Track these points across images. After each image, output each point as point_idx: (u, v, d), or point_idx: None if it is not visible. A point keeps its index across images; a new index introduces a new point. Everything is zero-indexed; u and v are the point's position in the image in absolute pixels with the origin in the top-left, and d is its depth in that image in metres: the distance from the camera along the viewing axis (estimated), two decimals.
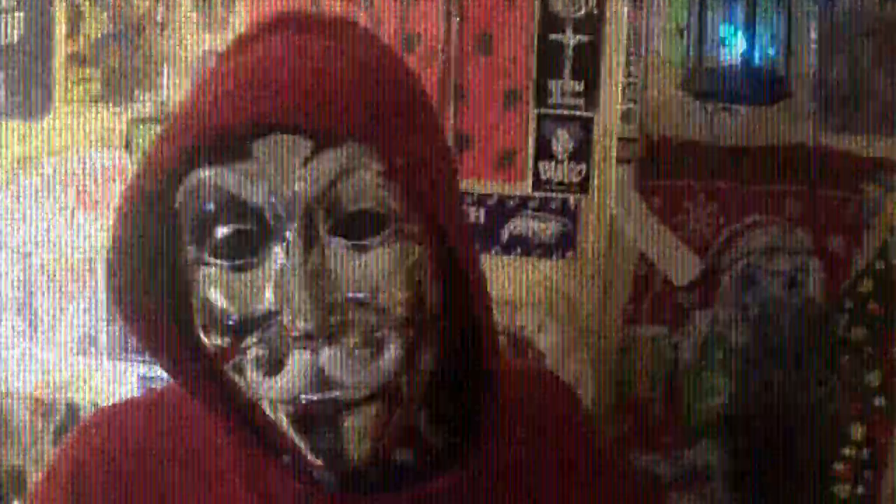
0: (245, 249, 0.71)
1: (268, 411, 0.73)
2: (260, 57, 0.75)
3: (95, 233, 1.44)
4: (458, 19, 1.32)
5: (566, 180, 1.33)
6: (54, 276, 1.46)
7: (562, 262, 1.33)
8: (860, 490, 1.31)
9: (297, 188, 0.69)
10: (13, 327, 1.48)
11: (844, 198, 1.27)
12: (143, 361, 1.44)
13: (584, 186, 1.33)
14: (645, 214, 1.30)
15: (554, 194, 1.33)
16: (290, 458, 0.79)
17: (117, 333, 1.45)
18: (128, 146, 1.42)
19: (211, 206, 0.71)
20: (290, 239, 0.69)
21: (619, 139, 1.31)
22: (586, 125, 1.32)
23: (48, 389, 1.47)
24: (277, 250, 0.70)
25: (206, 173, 0.71)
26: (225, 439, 0.82)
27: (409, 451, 0.81)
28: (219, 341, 0.72)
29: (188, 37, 1.39)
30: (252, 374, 0.71)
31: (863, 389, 1.29)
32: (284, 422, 0.72)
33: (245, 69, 0.73)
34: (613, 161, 1.31)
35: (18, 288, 1.48)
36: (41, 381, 1.48)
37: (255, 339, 0.71)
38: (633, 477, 1.03)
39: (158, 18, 1.40)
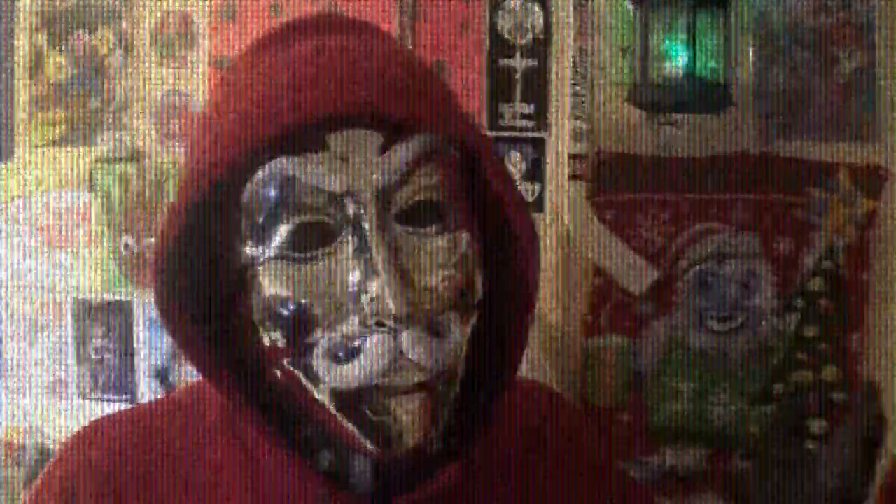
0: (314, 241, 0.73)
1: (322, 401, 0.74)
2: (320, 49, 0.77)
3: (62, 274, 1.46)
4: (412, 47, 1.37)
5: None
6: (22, 317, 1.47)
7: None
8: None
9: (374, 177, 0.72)
10: None
11: (790, 202, 1.31)
12: (115, 401, 1.44)
13: (538, 204, 1.37)
14: (599, 228, 1.34)
15: None
16: (329, 457, 0.80)
17: (87, 374, 1.46)
18: (91, 186, 1.45)
19: (282, 198, 0.73)
20: (368, 227, 0.72)
21: (571, 157, 1.35)
22: (538, 145, 1.37)
23: (18, 433, 1.47)
24: (351, 241, 0.72)
25: (283, 164, 0.73)
26: (235, 448, 0.82)
27: (441, 443, 0.82)
28: (280, 336, 0.74)
29: (148, 77, 1.44)
30: (321, 365, 0.73)
31: (820, 385, 1.32)
32: (339, 413, 0.74)
33: (311, 61, 0.76)
34: (566, 178, 1.35)
35: None
36: (11, 424, 1.48)
37: (324, 330, 0.73)
38: (631, 484, 1.04)
39: (118, 61, 1.44)
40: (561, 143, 1.36)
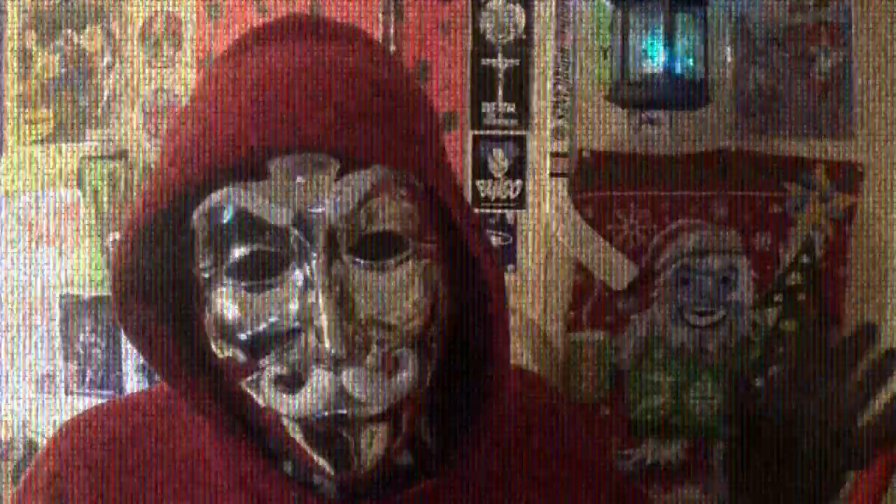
0: (263, 270, 0.72)
1: (282, 423, 0.73)
2: (277, 69, 0.74)
3: (50, 271, 1.47)
4: (395, 48, 1.38)
5: (503, 197, 1.38)
6: (10, 313, 1.48)
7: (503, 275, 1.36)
8: None
9: (321, 209, 0.70)
10: None
11: (768, 197, 1.32)
12: (102, 396, 1.45)
13: (520, 202, 1.38)
14: (580, 225, 1.35)
15: (492, 211, 1.38)
16: (291, 466, 0.80)
17: (74, 369, 1.47)
18: (80, 184, 1.46)
19: (230, 228, 0.71)
20: (313, 260, 0.70)
21: (552, 155, 1.36)
22: (520, 143, 1.38)
23: (6, 428, 1.48)
24: (298, 272, 0.71)
25: (225, 194, 0.71)
26: (218, 444, 0.82)
27: (410, 455, 0.82)
28: (234, 355, 0.73)
29: (136, 75, 1.44)
30: (270, 391, 0.72)
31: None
32: (297, 434, 0.73)
33: (263, 83, 0.73)
34: (547, 176, 1.37)
35: None
36: None
37: (273, 358, 0.72)
38: (620, 476, 1.04)
39: (106, 60, 1.45)
40: (543, 140, 1.37)
